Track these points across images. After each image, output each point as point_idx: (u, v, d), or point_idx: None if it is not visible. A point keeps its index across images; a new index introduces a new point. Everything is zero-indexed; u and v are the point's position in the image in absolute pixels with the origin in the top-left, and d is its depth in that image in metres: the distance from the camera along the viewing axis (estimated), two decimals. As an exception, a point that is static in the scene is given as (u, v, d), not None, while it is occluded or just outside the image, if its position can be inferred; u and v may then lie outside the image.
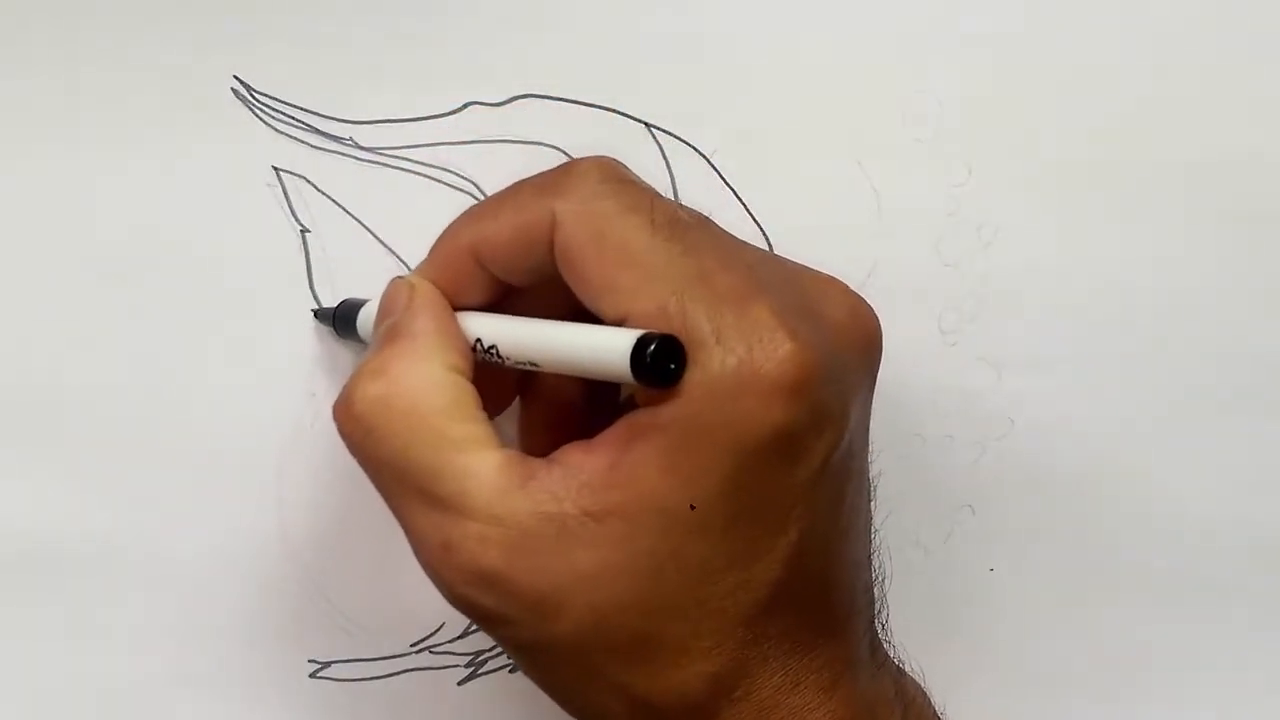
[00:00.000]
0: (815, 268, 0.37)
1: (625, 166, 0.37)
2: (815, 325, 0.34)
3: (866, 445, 0.37)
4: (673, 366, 0.32)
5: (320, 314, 0.41)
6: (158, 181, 0.41)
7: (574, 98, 0.42)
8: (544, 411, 0.39)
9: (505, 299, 0.37)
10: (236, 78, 0.41)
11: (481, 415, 0.34)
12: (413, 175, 0.41)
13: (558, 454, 0.34)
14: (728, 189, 0.42)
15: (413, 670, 0.43)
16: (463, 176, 0.42)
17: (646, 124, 0.42)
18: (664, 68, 0.42)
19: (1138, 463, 0.44)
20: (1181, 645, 0.45)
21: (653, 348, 0.32)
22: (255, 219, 0.41)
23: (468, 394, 0.35)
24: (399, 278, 0.38)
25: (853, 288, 0.37)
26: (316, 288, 0.41)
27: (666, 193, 0.42)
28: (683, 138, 0.42)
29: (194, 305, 0.41)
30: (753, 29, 0.42)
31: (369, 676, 0.43)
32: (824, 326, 0.34)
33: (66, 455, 0.41)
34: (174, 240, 0.41)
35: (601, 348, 0.33)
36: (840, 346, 0.34)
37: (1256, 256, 0.43)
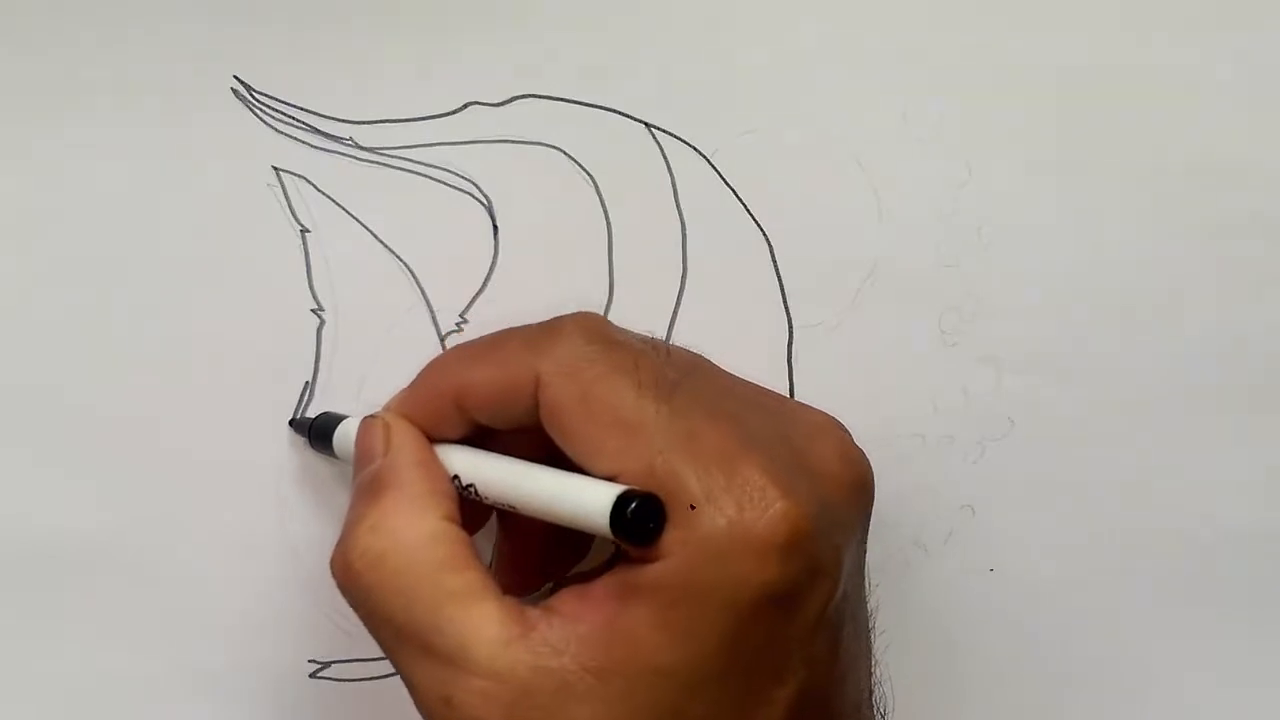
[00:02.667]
0: (806, 404, 0.37)
1: (609, 323, 0.37)
2: (806, 477, 0.34)
3: (862, 586, 0.37)
4: (652, 525, 0.33)
5: (296, 424, 0.41)
6: (158, 181, 0.41)
7: (574, 98, 0.42)
8: (523, 540, 0.39)
9: (484, 435, 0.37)
10: (236, 78, 0.41)
11: (477, 563, 0.35)
12: (413, 175, 0.41)
13: (554, 602, 0.34)
14: (728, 189, 0.42)
15: (413, 670, 0.43)
16: (463, 176, 0.42)
17: (646, 124, 0.42)
18: (664, 68, 0.42)
19: (1137, 462, 0.44)
20: (1182, 645, 0.45)
21: (633, 506, 0.32)
22: (255, 219, 0.41)
23: (462, 543, 0.35)
24: (372, 417, 0.38)
25: (846, 434, 0.37)
26: (316, 288, 0.41)
27: (666, 193, 0.42)
28: (683, 138, 0.42)
29: (194, 305, 0.41)
30: (753, 29, 0.42)
31: (369, 676, 0.43)
32: (816, 477, 0.34)
33: (66, 455, 0.41)
34: (174, 240, 0.41)
35: (582, 502, 0.33)
36: (832, 496, 0.35)
37: (1256, 257, 0.43)
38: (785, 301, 0.43)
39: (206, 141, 0.41)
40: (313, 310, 0.41)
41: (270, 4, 0.40)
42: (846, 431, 0.37)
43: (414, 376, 0.39)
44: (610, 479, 0.34)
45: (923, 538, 0.44)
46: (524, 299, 0.42)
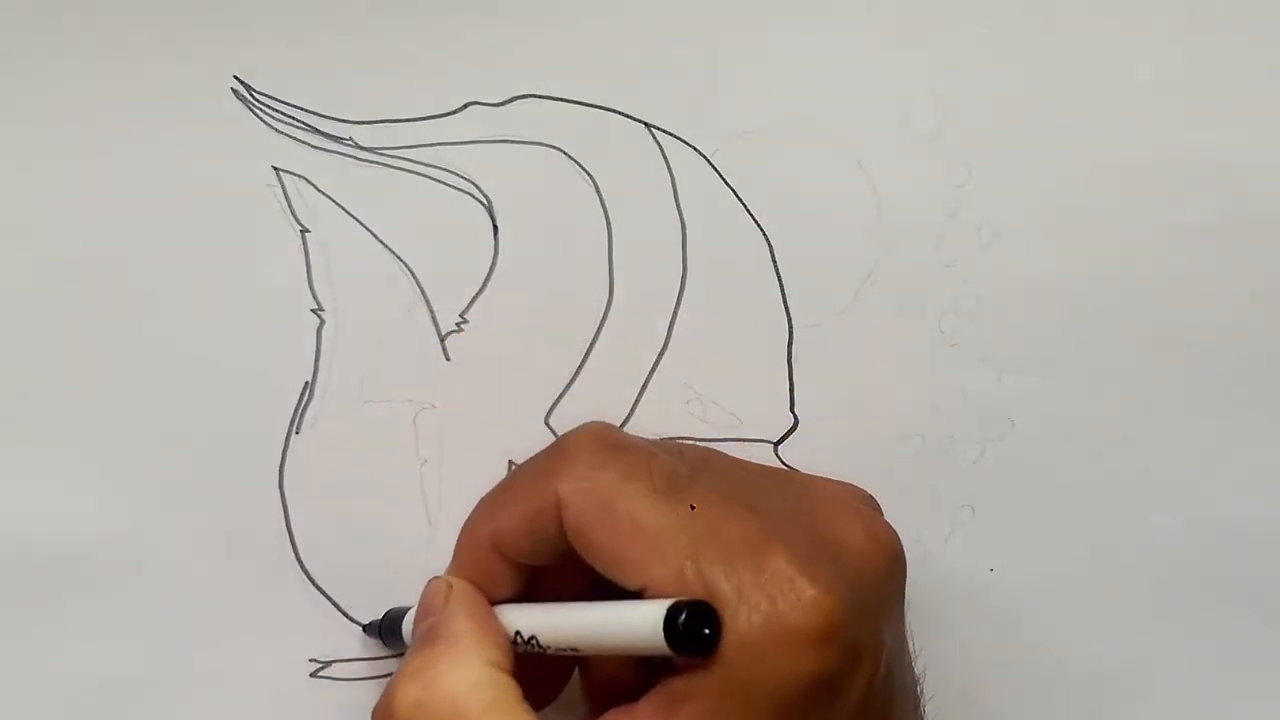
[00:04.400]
0: (824, 477, 0.37)
1: (616, 430, 0.38)
2: (834, 561, 0.34)
3: (906, 654, 0.37)
4: (707, 631, 0.32)
5: (368, 628, 0.42)
6: (158, 181, 0.41)
7: (574, 98, 0.42)
8: (601, 679, 0.39)
9: (536, 582, 0.38)
10: (236, 78, 0.41)
11: (523, 708, 0.35)
12: (413, 175, 0.41)
13: None
14: (728, 189, 0.42)
15: (413, 670, 0.43)
16: (463, 176, 0.42)
17: (646, 124, 0.42)
18: (664, 68, 0.42)
19: (1137, 462, 0.44)
20: (1182, 645, 0.45)
21: (684, 616, 0.32)
22: (255, 219, 0.41)
23: (509, 689, 0.35)
24: (436, 578, 0.38)
25: (869, 503, 0.37)
26: (316, 288, 0.41)
27: (666, 193, 0.42)
28: (683, 138, 0.42)
29: (194, 305, 0.41)
30: (753, 29, 0.42)
31: (369, 676, 0.42)
32: (844, 559, 0.34)
33: (67, 455, 0.41)
34: (174, 240, 0.41)
35: (634, 625, 0.33)
36: (863, 576, 0.35)
37: (1256, 257, 0.43)
38: (785, 301, 0.43)
39: (206, 141, 0.41)
40: (313, 310, 0.41)
41: (270, 4, 0.40)
42: (869, 500, 0.37)
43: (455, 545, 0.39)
44: (641, 587, 0.34)
45: (923, 538, 0.44)
46: (524, 299, 0.42)
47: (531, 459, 0.38)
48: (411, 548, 0.42)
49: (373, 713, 0.36)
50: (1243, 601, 0.45)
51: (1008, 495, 0.44)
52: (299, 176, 0.41)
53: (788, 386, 0.43)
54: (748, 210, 0.42)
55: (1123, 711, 0.45)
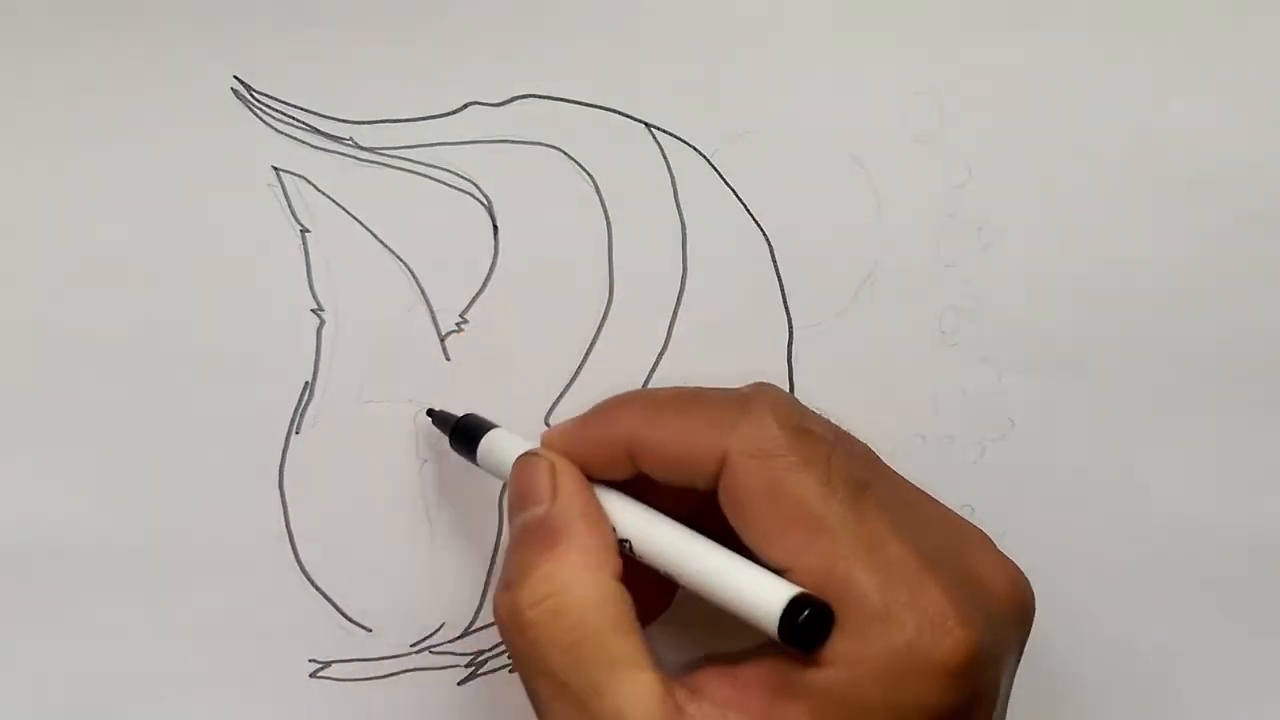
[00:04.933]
0: (961, 515, 0.37)
1: (799, 405, 0.37)
2: (982, 604, 0.34)
3: (1006, 706, 0.37)
4: (818, 633, 0.32)
5: (435, 416, 0.41)
6: (158, 181, 0.41)
7: (574, 98, 0.42)
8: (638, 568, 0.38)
9: (643, 479, 0.37)
10: (236, 78, 0.41)
11: (638, 628, 0.35)
12: (413, 175, 0.41)
13: (701, 683, 0.34)
14: (728, 189, 0.42)
15: (413, 670, 0.43)
16: (463, 176, 0.42)
17: (646, 124, 0.42)
18: (664, 68, 0.42)
19: (1137, 462, 0.44)
20: (1182, 645, 0.45)
21: (806, 614, 0.32)
22: (255, 219, 0.41)
23: (628, 607, 0.35)
24: (535, 454, 0.38)
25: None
26: (316, 288, 0.41)
27: (666, 193, 0.42)
28: (683, 138, 0.42)
29: (194, 305, 0.41)
30: (753, 29, 0.42)
31: (369, 676, 0.42)
32: (989, 603, 0.34)
33: (66, 455, 0.41)
34: (174, 240, 0.41)
35: (752, 596, 0.33)
36: (1001, 622, 0.35)
37: (1256, 257, 0.43)
38: (785, 301, 0.43)
39: (206, 141, 0.41)
40: (313, 310, 0.41)
41: (270, 4, 0.40)
42: (1010, 559, 0.37)
43: (584, 412, 0.38)
44: (783, 571, 0.34)
45: (923, 538, 0.44)
46: (524, 299, 0.42)
47: (705, 392, 0.37)
48: (411, 548, 0.42)
49: (496, 609, 0.35)
50: (1243, 602, 0.45)
51: (1008, 495, 0.44)
52: (299, 176, 0.41)
53: (788, 386, 0.43)
54: (748, 210, 0.42)
55: (1123, 711, 0.45)
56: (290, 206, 0.41)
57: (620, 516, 0.36)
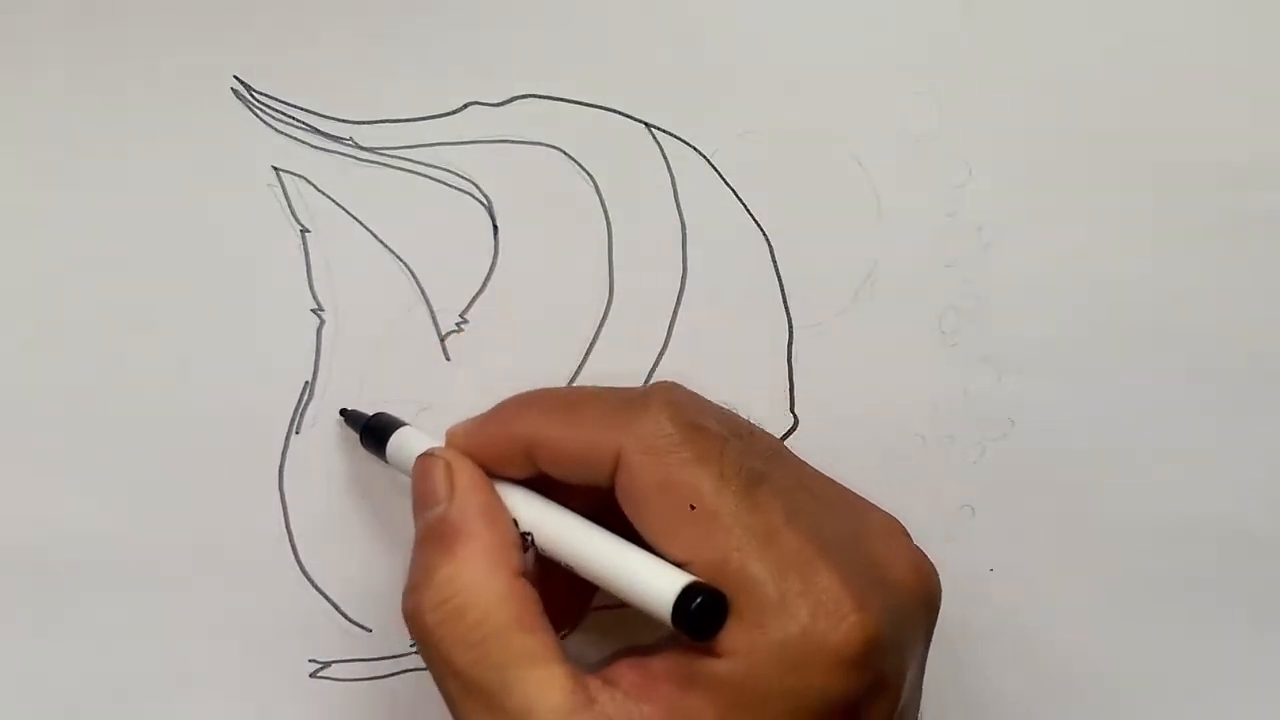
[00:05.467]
0: (872, 503, 0.37)
1: (696, 400, 0.37)
2: (880, 589, 0.34)
3: (918, 698, 0.37)
4: (712, 622, 0.33)
5: (348, 415, 0.41)
6: (158, 181, 0.41)
7: (574, 98, 0.42)
8: (553, 569, 0.38)
9: (549, 478, 0.37)
10: (236, 78, 0.41)
11: (544, 622, 0.35)
12: (413, 175, 0.41)
13: (614, 674, 0.34)
14: (728, 189, 0.42)
15: (413, 670, 0.43)
16: (463, 176, 0.42)
17: (646, 124, 0.42)
18: (664, 68, 0.42)
19: (1138, 463, 0.44)
20: (1181, 646, 0.45)
21: (698, 601, 0.32)
22: (255, 219, 0.41)
23: (533, 601, 0.35)
24: (432, 455, 0.38)
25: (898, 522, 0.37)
26: (316, 288, 0.41)
27: (666, 193, 0.42)
28: (683, 138, 0.42)
29: (194, 305, 0.41)
30: (753, 29, 0.42)
31: (369, 676, 0.43)
32: (888, 587, 0.34)
33: (66, 455, 0.41)
34: (174, 240, 0.41)
35: (646, 584, 0.33)
36: (903, 608, 0.35)
37: (1256, 257, 0.43)
38: (785, 301, 0.43)
39: (206, 141, 0.41)
40: (313, 310, 0.41)
41: (270, 4, 0.40)
42: (908, 534, 0.37)
43: (486, 411, 0.38)
44: (681, 565, 0.34)
45: (923, 538, 0.44)
46: (524, 299, 0.42)
47: (602, 391, 0.38)
48: (411, 548, 0.42)
49: (403, 613, 0.35)
50: (1243, 602, 0.45)
51: (1008, 495, 0.44)
52: (299, 176, 0.41)
53: (788, 386, 0.43)
54: (748, 210, 0.42)
55: (1123, 711, 0.45)
56: (290, 206, 0.41)
57: (522, 511, 0.37)
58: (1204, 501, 0.44)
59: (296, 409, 0.41)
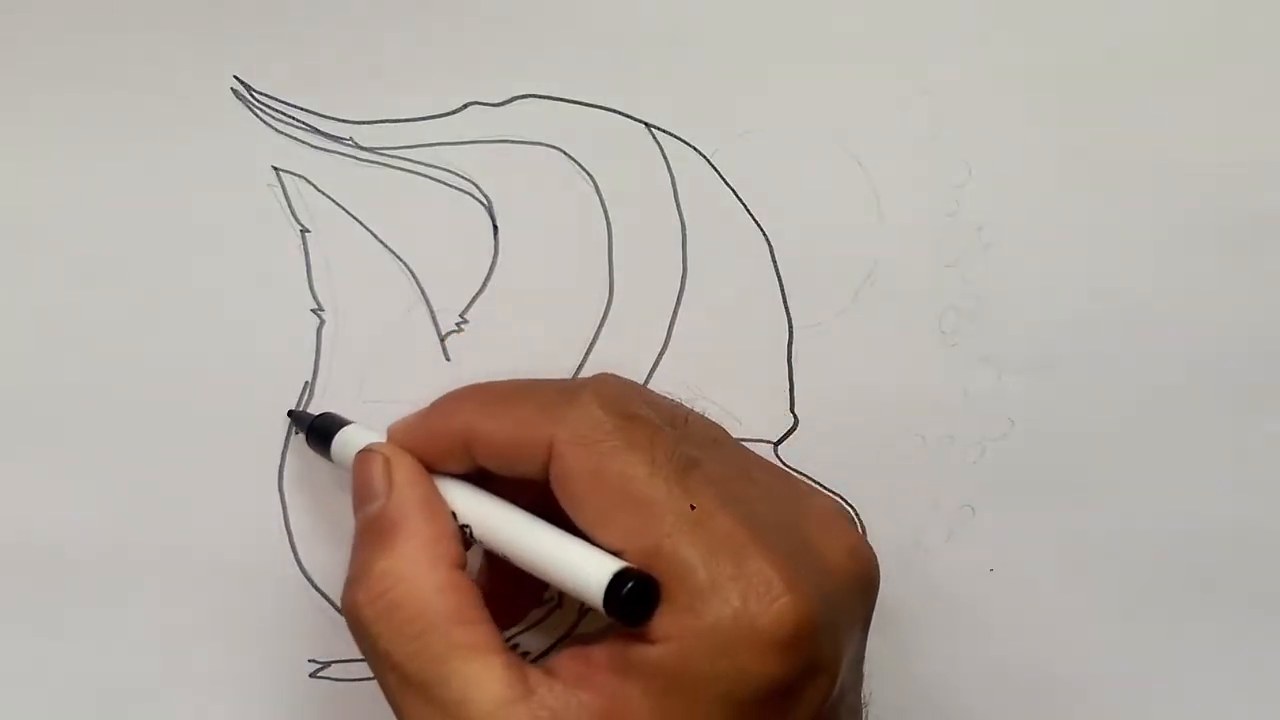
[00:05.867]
0: (818, 489, 0.37)
1: (631, 390, 0.37)
2: (813, 570, 0.34)
3: (860, 678, 0.37)
4: (645, 607, 0.33)
5: (295, 416, 0.41)
6: (158, 181, 0.41)
7: (574, 98, 0.42)
8: (508, 569, 0.38)
9: (482, 470, 0.37)
10: (236, 78, 0.41)
11: (484, 614, 0.35)
12: (413, 175, 0.41)
13: (555, 664, 0.34)
14: (728, 189, 0.42)
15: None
16: (463, 176, 0.42)
17: (646, 124, 0.42)
18: (664, 68, 0.42)
19: (1138, 463, 0.44)
20: (1182, 645, 0.45)
21: (629, 586, 0.33)
22: (255, 219, 0.41)
23: (471, 593, 0.35)
24: (370, 450, 0.38)
25: (849, 516, 0.37)
26: (316, 288, 0.41)
27: (666, 193, 0.42)
28: (683, 138, 0.42)
29: (194, 305, 0.41)
30: (752, 28, 0.42)
31: (369, 676, 0.42)
32: (823, 570, 0.34)
33: (67, 455, 0.41)
34: (174, 240, 0.41)
35: (579, 571, 0.34)
36: (838, 590, 0.35)
37: (1256, 256, 0.43)
38: (785, 301, 0.43)
39: (206, 141, 0.41)
40: (313, 310, 0.41)
41: (270, 4, 0.40)
42: (853, 520, 0.37)
43: (425, 406, 0.39)
44: (615, 553, 0.34)
45: (923, 538, 0.44)
46: (524, 299, 0.42)
47: (536, 384, 0.38)
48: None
49: (341, 606, 0.36)
50: (1243, 602, 0.45)
51: (1008, 495, 0.44)
52: (299, 176, 0.41)
53: (788, 386, 0.43)
54: (748, 210, 0.42)
55: (1123, 711, 0.45)
56: (290, 206, 0.41)
57: (460, 504, 0.37)
58: (1204, 501, 0.44)
59: (296, 408, 0.41)
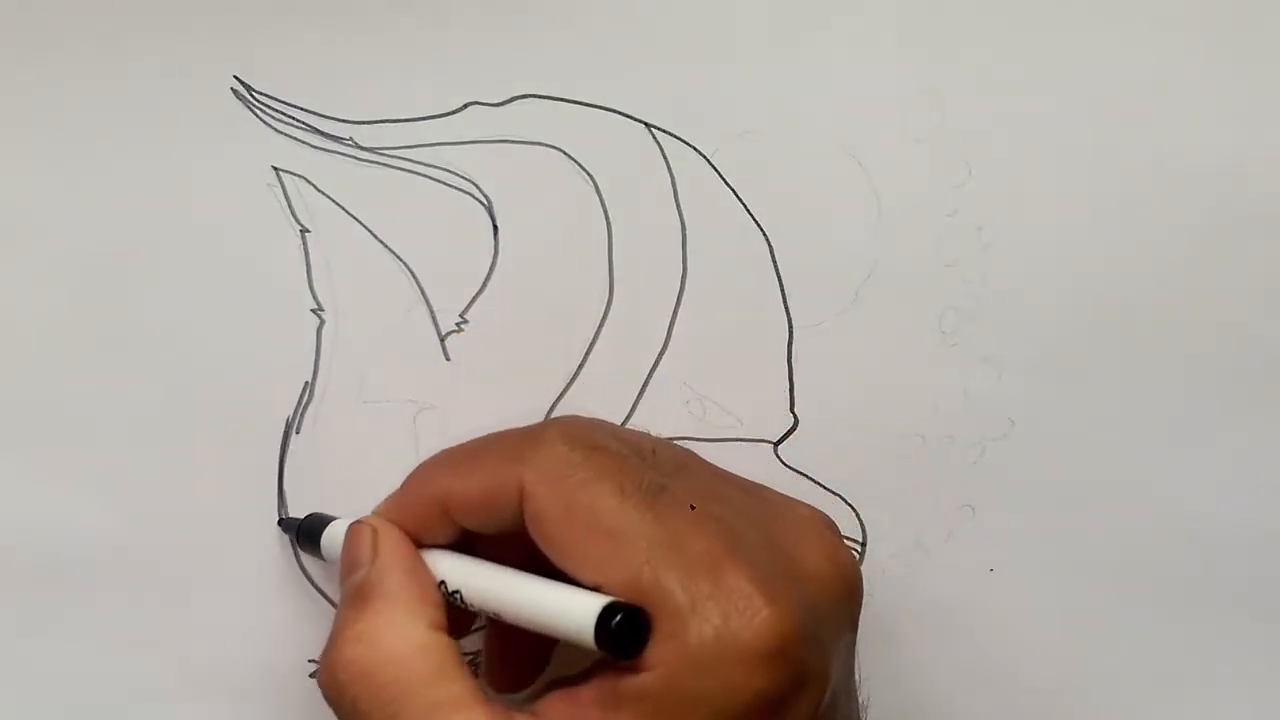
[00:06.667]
0: (792, 498, 0.37)
1: (595, 425, 0.37)
2: (794, 582, 0.34)
3: (852, 683, 0.37)
4: (637, 638, 0.33)
5: (284, 523, 0.41)
6: (158, 181, 0.41)
7: (574, 98, 0.42)
8: (511, 637, 0.38)
9: (471, 538, 0.38)
10: (236, 78, 0.41)
11: (464, 672, 0.35)
12: (413, 175, 0.41)
13: (542, 706, 0.34)
14: (728, 189, 0.42)
15: (413, 670, 0.43)
16: (463, 176, 0.42)
17: (646, 124, 0.42)
18: (664, 68, 0.42)
19: (1138, 462, 0.44)
20: (1181, 646, 0.45)
21: (618, 619, 0.32)
22: (255, 219, 0.41)
23: (450, 652, 0.35)
24: (359, 522, 0.38)
25: (827, 525, 0.37)
26: (316, 288, 0.41)
27: (666, 193, 0.42)
28: (683, 138, 0.42)
29: (194, 305, 0.41)
30: (753, 29, 0.42)
31: (369, 676, 0.42)
32: (803, 581, 0.34)
33: (67, 455, 0.41)
34: (174, 240, 0.41)
35: (566, 613, 0.33)
36: (820, 600, 0.35)
37: (1256, 256, 0.43)
38: (785, 301, 0.43)
39: (207, 141, 0.41)
40: (313, 310, 0.41)
41: (269, 4, 0.40)
42: (832, 526, 0.37)
43: (400, 483, 0.39)
44: (595, 587, 0.34)
45: (923, 538, 0.44)
46: (524, 299, 0.42)
47: (503, 434, 0.38)
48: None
49: (318, 676, 0.35)
50: (1242, 602, 0.45)
51: (1008, 495, 0.44)
52: (299, 176, 0.41)
53: (788, 386, 0.43)
54: (748, 210, 0.42)
55: (1123, 711, 0.45)
56: (290, 206, 0.41)
57: (448, 571, 0.37)
58: (1204, 501, 0.44)
59: (296, 409, 0.41)
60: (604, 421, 0.39)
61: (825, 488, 0.42)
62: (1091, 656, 0.45)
